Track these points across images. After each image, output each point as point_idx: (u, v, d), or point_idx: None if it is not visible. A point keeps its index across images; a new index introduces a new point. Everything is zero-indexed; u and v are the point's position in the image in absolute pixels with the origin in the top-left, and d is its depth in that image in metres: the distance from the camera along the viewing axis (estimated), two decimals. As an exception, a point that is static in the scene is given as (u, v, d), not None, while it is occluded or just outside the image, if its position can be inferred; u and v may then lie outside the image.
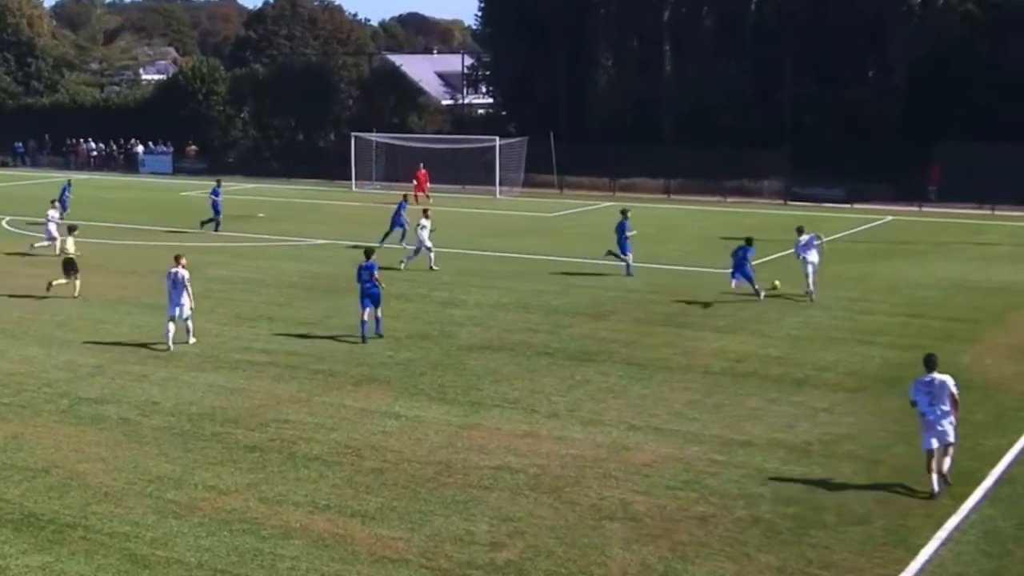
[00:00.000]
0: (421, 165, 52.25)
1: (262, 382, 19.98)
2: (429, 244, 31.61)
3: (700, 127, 53.96)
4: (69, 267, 28.17)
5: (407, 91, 69.21)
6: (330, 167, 60.16)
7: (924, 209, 46.46)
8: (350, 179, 57.06)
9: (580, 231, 40.31)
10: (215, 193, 40.62)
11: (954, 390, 14.44)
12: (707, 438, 16.82)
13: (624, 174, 54.42)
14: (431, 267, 31.46)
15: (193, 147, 67.42)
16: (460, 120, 67.55)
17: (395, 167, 56.71)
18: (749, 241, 27.67)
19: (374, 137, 58.06)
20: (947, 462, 14.61)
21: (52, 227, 34.61)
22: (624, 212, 31.30)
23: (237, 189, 54.71)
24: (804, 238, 27.49)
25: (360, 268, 23.10)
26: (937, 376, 14.49)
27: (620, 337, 23.36)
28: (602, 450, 16.32)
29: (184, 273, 22.36)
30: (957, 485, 14.53)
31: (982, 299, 27.05)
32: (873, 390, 19.19)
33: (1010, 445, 16.12)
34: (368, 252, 23.48)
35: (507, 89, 65.29)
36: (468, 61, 70.74)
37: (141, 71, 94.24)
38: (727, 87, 54.94)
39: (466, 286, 29.20)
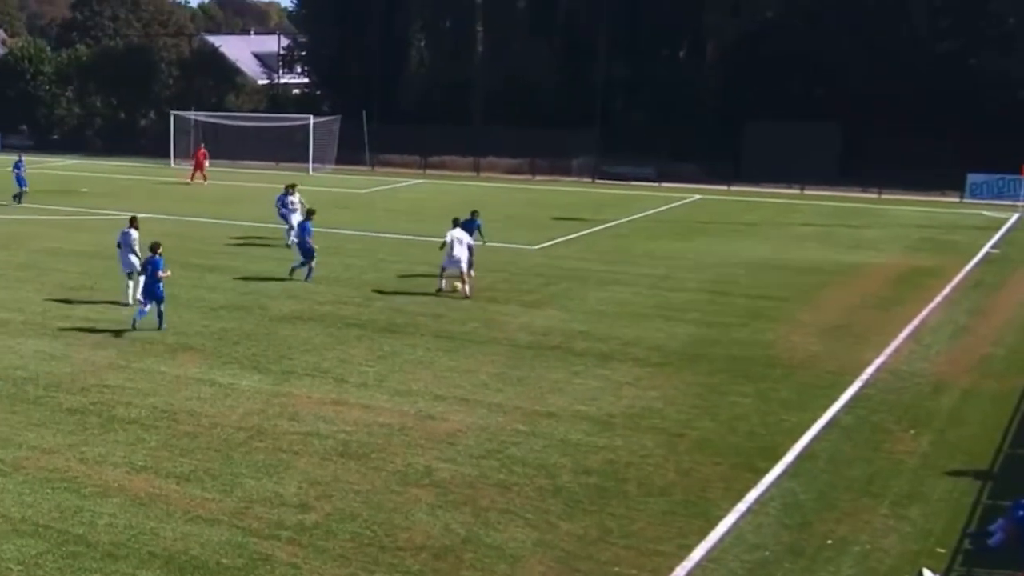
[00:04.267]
0: (202, 145, 51.66)
1: (83, 349, 20.14)
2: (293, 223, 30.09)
3: (511, 107, 54.19)
4: None
5: (225, 71, 69.85)
6: (150, 145, 61.04)
7: (733, 188, 47.58)
8: (169, 157, 56.54)
9: (390, 207, 39.85)
10: (17, 167, 40.90)
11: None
12: (511, 409, 16.71)
13: (434, 152, 54.48)
14: (288, 244, 30.44)
15: (23, 126, 68.23)
16: (276, 99, 67.52)
17: (213, 145, 55.60)
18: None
19: (192, 116, 57.78)
20: None
21: None
22: (475, 212, 27.61)
23: (62, 165, 55.46)
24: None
25: (145, 262, 21.94)
26: None
27: (428, 311, 23.21)
28: (409, 419, 16.21)
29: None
30: (759, 459, 14.72)
31: (791, 277, 27.48)
32: (677, 365, 19.36)
33: (812, 421, 16.34)
34: (154, 247, 21.69)
35: (322, 70, 65.20)
36: (284, 42, 70.07)
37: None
38: (539, 67, 55.31)
39: (279, 260, 28.75)
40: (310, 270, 26.35)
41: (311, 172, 52.88)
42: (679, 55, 58.17)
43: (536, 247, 31.48)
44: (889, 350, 20.32)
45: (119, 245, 24.01)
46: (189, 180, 48.44)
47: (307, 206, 29.47)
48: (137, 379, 18.21)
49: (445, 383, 17.99)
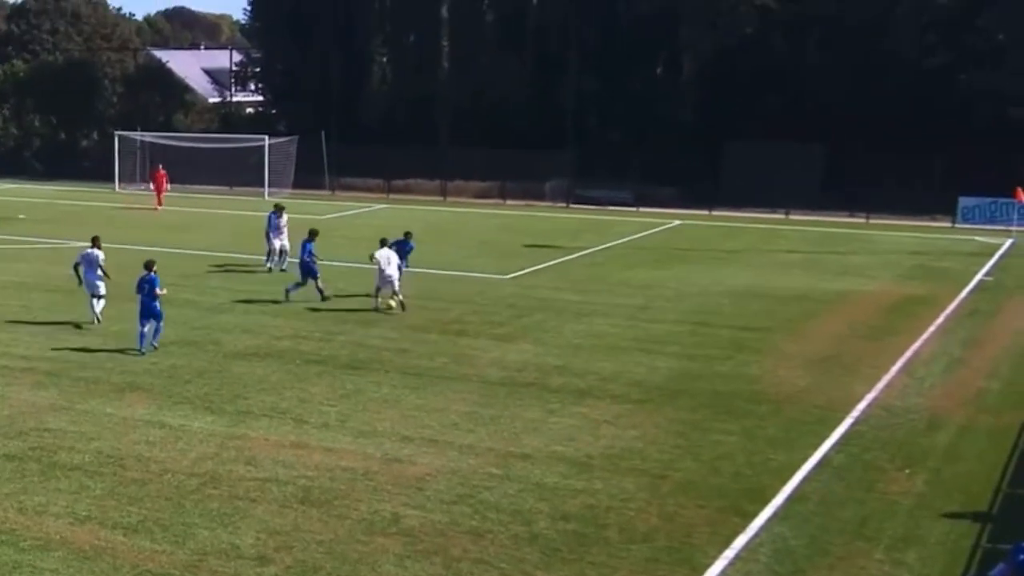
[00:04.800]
0: (160, 166, 51.38)
1: (21, 389, 19.91)
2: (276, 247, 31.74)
3: (480, 126, 54.37)
4: None
5: (173, 88, 69.52)
6: (94, 168, 60.36)
7: (714, 213, 47.91)
8: (113, 180, 56.38)
9: (351, 234, 39.77)
10: None
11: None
12: (483, 451, 16.68)
13: (399, 175, 54.51)
14: (271, 268, 31.82)
15: None
16: (228, 119, 67.48)
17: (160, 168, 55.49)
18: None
19: (138, 136, 57.64)
20: None
21: None
22: (408, 233, 29.46)
23: (-1, 189, 54.28)
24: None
25: (140, 281, 22.83)
26: None
27: (393, 345, 23.18)
28: (374, 462, 16.12)
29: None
30: (746, 502, 14.76)
31: (776, 307, 27.66)
32: (657, 401, 19.42)
33: (802, 460, 16.37)
34: (148, 265, 23.04)
35: (277, 87, 65.19)
36: (237, 57, 70.04)
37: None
38: (509, 83, 55.56)
39: (234, 291, 28.87)
40: (319, 289, 27.38)
41: (267, 197, 52.57)
42: (655, 71, 58.52)
43: (508, 276, 31.54)
44: (881, 384, 20.48)
45: (76, 266, 24.96)
46: (158, 207, 48.38)
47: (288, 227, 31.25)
48: (81, 422, 18.00)
49: (412, 423, 17.91)
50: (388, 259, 26.36)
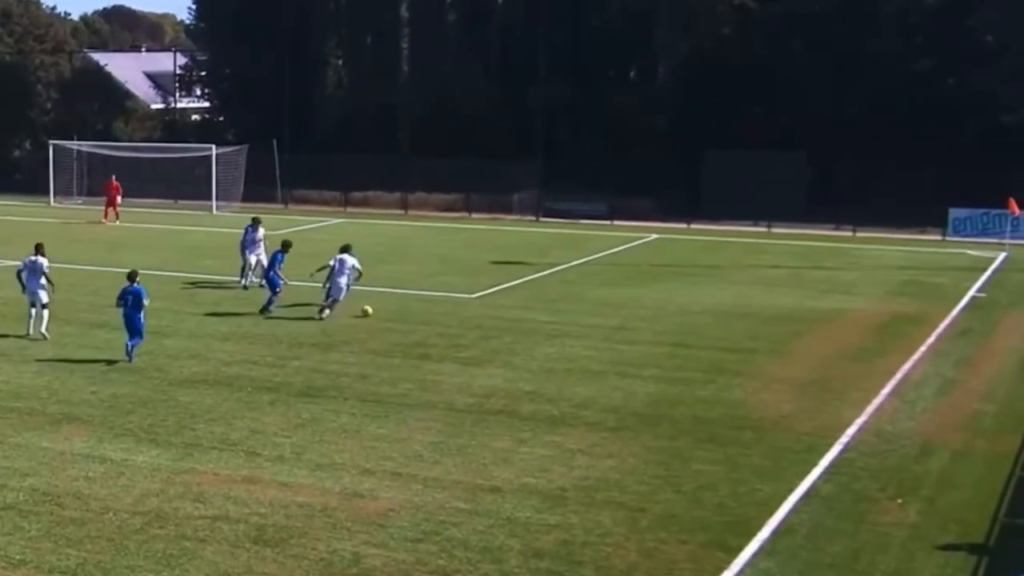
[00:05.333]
0: (113, 177, 50.86)
1: None
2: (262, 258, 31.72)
3: (443, 135, 54.43)
4: None
5: (113, 94, 69.15)
6: (26, 180, 59.70)
7: (693, 227, 48.12)
8: (48, 193, 55.87)
9: (306, 250, 39.41)
10: None
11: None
12: (450, 484, 16.65)
13: (357, 187, 54.48)
14: (247, 285, 31.94)
15: None
16: (172, 126, 67.21)
17: (100, 179, 55.02)
18: (285, 247, 29.26)
19: (75, 146, 57.05)
20: None
21: None
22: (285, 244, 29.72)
23: (-79, 204, 53.68)
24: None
25: (123, 292, 23.75)
26: None
27: (352, 370, 23.12)
28: (332, 497, 16.05)
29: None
30: (730, 536, 14.78)
31: (759, 327, 27.77)
32: (635, 429, 19.44)
33: (788, 491, 16.42)
34: (132, 276, 24.01)
35: (225, 92, 65.02)
36: (181, 60, 69.64)
37: None
38: (473, 89, 55.63)
39: (179, 314, 28.70)
40: (269, 301, 28.29)
41: (215, 211, 52.50)
42: (629, 76, 58.88)
43: (474, 295, 31.54)
44: (871, 408, 20.62)
45: (19, 273, 25.73)
46: (104, 220, 48.32)
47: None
48: (13, 456, 17.76)
49: (373, 455, 17.86)
50: (343, 265, 27.88)
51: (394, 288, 32.13)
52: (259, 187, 54.60)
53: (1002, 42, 49.09)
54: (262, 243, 32.37)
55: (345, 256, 28.42)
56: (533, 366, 23.68)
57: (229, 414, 20.03)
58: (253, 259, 32.29)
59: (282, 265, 28.94)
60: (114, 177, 50.55)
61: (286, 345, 25.34)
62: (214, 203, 53.00)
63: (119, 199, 49.39)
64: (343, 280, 28.12)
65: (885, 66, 49.69)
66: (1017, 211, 41.84)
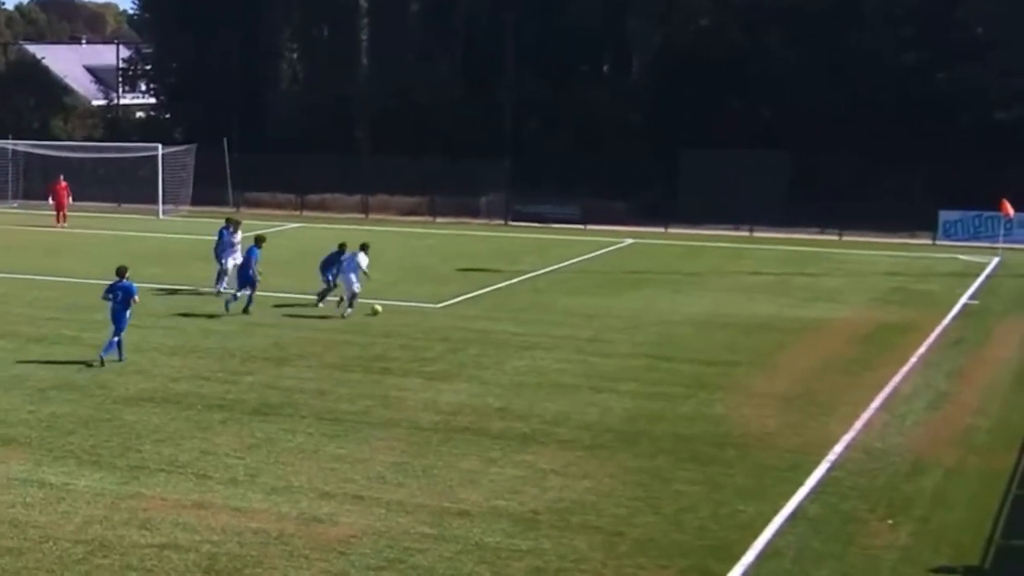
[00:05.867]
0: (61, 177, 50.62)
1: None
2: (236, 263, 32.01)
3: (405, 133, 54.41)
4: None
5: (50, 89, 69.09)
6: None
7: (671, 231, 48.30)
8: (-20, 196, 55.92)
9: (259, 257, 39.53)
10: None
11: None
12: (415, 507, 16.62)
13: (313, 189, 54.43)
14: (221, 291, 31.96)
15: None
16: (115, 124, 67.00)
17: (37, 181, 55.22)
18: (258, 241, 30.37)
19: (10, 145, 56.75)
20: None
21: None
22: (259, 240, 30.72)
23: None
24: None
25: (112, 287, 24.72)
26: None
27: (309, 386, 23.06)
28: (289, 523, 15.98)
29: None
30: (712, 561, 14.84)
31: (741, 337, 27.90)
32: (611, 447, 19.48)
33: (773, 512, 16.47)
34: (122, 271, 24.90)
35: (172, 87, 65.00)
36: (124, 53, 69.45)
37: None
38: (437, 85, 55.61)
39: (131, 326, 28.14)
40: (250, 300, 29.41)
41: (161, 215, 52.32)
42: (601, 70, 59.03)
43: (439, 305, 31.57)
44: (859, 423, 20.74)
45: None
46: (56, 224, 48.31)
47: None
48: (-54, 482, 17.59)
49: (333, 477, 17.81)
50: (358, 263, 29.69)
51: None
52: (208, 189, 54.46)
53: (993, 35, 49.54)
54: (239, 247, 32.34)
55: (359, 254, 29.90)
56: (502, 380, 23.69)
57: (177, 434, 19.88)
58: (230, 263, 32.21)
59: (259, 261, 29.85)
60: (62, 178, 50.46)
61: (238, 359, 25.24)
62: (160, 207, 52.74)
63: (68, 201, 49.34)
64: (352, 275, 29.51)
65: (871, 59, 50.11)
66: (1011, 213, 42.15)
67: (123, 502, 16.70)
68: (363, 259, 29.87)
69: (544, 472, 18.14)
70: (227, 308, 29.53)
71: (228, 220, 33.77)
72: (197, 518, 16.10)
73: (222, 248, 32.66)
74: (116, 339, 24.51)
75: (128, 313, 24.63)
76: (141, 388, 22.82)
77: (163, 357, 25.37)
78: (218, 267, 32.69)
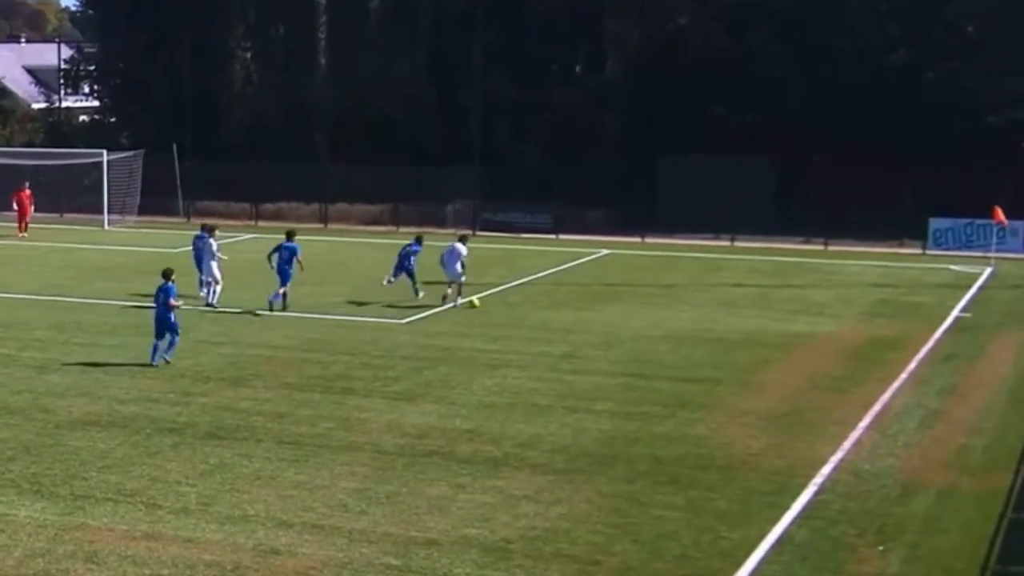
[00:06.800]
0: (26, 184, 50.63)
1: None
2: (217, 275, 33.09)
3: (366, 138, 54.39)
4: None
5: (-13, 91, 68.44)
6: None
7: (648, 241, 48.43)
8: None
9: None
10: None
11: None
12: (379, 537, 16.59)
13: (269, 198, 54.38)
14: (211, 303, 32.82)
15: None
16: (57, 129, 66.71)
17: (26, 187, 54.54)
18: (419, 239, 34.22)
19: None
20: None
21: None
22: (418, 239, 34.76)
23: None
24: None
25: (158, 290, 26.41)
26: None
27: (266, 408, 23.01)
28: (245, 555, 15.92)
29: None
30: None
31: (723, 353, 28.01)
32: (587, 471, 19.50)
33: (758, 538, 16.51)
34: (167, 274, 26.55)
35: (118, 89, 64.86)
36: (66, 53, 69.02)
37: None
38: (400, 87, 55.57)
39: (67, 344, 28.48)
40: (284, 297, 32.09)
41: (107, 226, 52.07)
42: (574, 70, 59.10)
43: (404, 321, 31.56)
44: (847, 443, 20.85)
45: None
46: (20, 233, 48.38)
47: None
48: None
49: (292, 505, 17.76)
50: (457, 252, 33.02)
51: (312, 313, 32.08)
52: (158, 198, 54.36)
53: (983, 33, 49.85)
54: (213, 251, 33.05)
55: (457, 245, 33.29)
56: (471, 401, 23.68)
57: (125, 460, 19.78)
58: (216, 269, 32.82)
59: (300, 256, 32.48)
60: (27, 185, 50.43)
61: (190, 379, 25.14)
62: (106, 216, 52.57)
63: (31, 210, 49.38)
64: (457, 267, 32.86)
65: (857, 60, 50.38)
66: (1004, 221, 42.38)
67: (67, 534, 16.57)
68: (463, 249, 33.04)
69: (516, 498, 18.14)
70: (271, 306, 31.86)
71: (204, 226, 34.60)
72: (147, 550, 15.99)
73: (203, 254, 33.20)
74: (173, 339, 26.24)
75: (172, 316, 26.16)
76: (86, 411, 22.68)
77: (109, 378, 25.24)
78: (200, 275, 33.30)
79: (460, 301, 32.89)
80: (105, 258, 43.56)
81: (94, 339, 29.03)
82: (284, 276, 32.14)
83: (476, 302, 33.14)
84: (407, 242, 34.99)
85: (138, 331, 29.45)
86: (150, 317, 31.21)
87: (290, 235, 32.61)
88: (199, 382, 24.96)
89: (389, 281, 33.96)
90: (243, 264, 37.19)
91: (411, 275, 33.82)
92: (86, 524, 16.95)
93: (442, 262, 33.14)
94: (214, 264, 32.89)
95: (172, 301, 26.14)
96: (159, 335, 26.11)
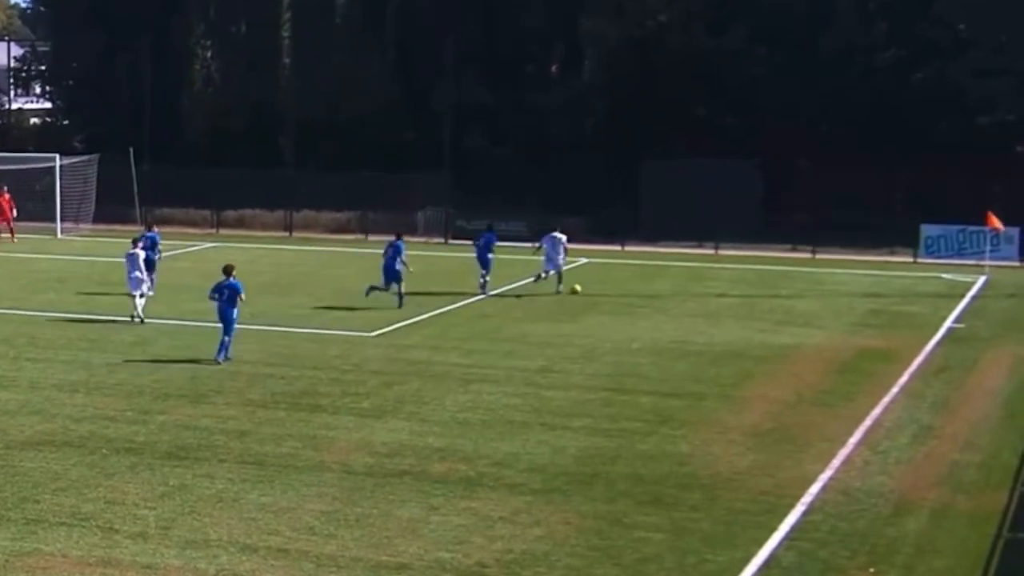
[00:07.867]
0: (5, 189, 50.72)
1: None
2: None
3: (333, 142, 54.36)
4: None
5: (-68, 91, 68.07)
6: None
7: (629, 249, 48.56)
8: None
9: (169, 282, 39.21)
10: None
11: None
12: (348, 562, 16.57)
13: (231, 204, 54.32)
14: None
15: None
16: (6, 131, 66.41)
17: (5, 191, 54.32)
18: (490, 228, 38.15)
19: None
20: None
21: None
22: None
23: None
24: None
25: (218, 287, 27.69)
26: None
27: (229, 426, 22.95)
28: (206, 583, 15.88)
29: None
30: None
31: (707, 367, 28.07)
32: (565, 491, 19.51)
33: (744, 561, 16.54)
34: (228, 269, 27.93)
35: (71, 90, 64.81)
36: (16, 51, 68.91)
37: None
38: (368, 89, 55.57)
39: (17, 360, 28.34)
40: (400, 295, 34.71)
41: (60, 235, 51.92)
42: (550, 72, 59.17)
43: (373, 333, 31.53)
44: (837, 461, 20.90)
45: None
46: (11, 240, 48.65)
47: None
48: None
49: (256, 528, 17.72)
50: (559, 240, 37.48)
51: (277, 326, 32.01)
52: (114, 205, 54.26)
53: (974, 31, 50.03)
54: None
55: (556, 234, 37.60)
56: (444, 417, 23.68)
57: (80, 482, 19.69)
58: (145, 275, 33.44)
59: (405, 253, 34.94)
60: (6, 189, 50.46)
61: (149, 396, 25.06)
62: (58, 224, 52.47)
63: (14, 214, 49.55)
64: (561, 258, 37.46)
65: (845, 59, 50.57)
66: (1000, 227, 42.50)
67: (19, 560, 16.50)
68: (563, 236, 37.44)
69: (491, 520, 18.13)
70: (399, 300, 34.56)
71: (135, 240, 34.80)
72: (103, 577, 15.93)
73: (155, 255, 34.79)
74: (227, 339, 27.45)
75: (235, 311, 27.50)
76: (39, 430, 22.58)
77: (63, 395, 25.13)
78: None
79: (561, 288, 37.06)
80: (58, 268, 43.42)
81: (47, 354, 28.89)
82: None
83: (578, 288, 36.91)
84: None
85: (93, 345, 29.57)
86: (104, 330, 31.55)
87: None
88: (158, 399, 24.86)
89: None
90: (199, 275, 36.99)
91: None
92: (39, 550, 16.87)
93: (545, 254, 37.55)
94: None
95: (242, 296, 27.76)
96: (227, 331, 27.54)
